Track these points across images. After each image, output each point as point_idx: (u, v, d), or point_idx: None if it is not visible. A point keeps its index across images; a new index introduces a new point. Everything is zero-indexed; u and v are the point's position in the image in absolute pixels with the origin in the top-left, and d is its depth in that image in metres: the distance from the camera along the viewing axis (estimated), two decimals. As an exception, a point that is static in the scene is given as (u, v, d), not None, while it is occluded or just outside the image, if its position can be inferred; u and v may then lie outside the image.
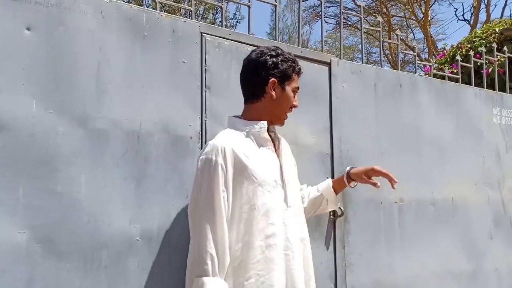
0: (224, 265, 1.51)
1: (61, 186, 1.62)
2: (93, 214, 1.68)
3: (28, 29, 1.63)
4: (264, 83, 1.68)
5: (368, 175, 1.93)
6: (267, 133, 1.68)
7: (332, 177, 2.36)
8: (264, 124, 1.67)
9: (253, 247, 1.55)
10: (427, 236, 2.71)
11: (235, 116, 1.74)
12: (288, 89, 1.70)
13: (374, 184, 1.92)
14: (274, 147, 1.72)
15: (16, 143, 1.56)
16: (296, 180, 1.83)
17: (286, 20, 17.62)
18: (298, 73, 1.75)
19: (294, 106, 1.75)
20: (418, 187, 2.72)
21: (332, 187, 1.98)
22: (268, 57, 1.69)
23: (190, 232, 1.59)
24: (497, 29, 4.07)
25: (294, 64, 1.72)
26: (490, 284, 2.98)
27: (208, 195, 1.53)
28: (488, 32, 4.13)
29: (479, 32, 4.31)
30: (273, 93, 1.68)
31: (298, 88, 1.75)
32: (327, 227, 2.32)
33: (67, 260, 1.62)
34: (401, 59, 15.47)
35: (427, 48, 15.37)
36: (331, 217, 2.32)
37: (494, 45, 3.54)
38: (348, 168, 2.00)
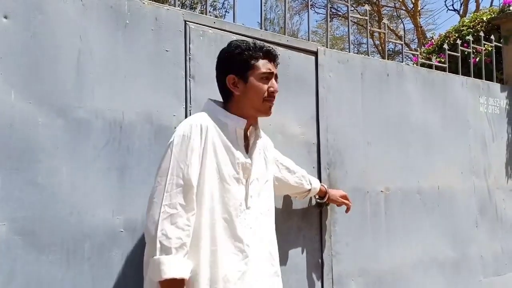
0: (186, 245, 1.42)
1: (41, 177, 1.60)
2: (75, 206, 1.65)
3: (5, 17, 1.59)
4: (225, 82, 1.64)
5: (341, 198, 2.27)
6: (242, 131, 1.62)
7: (319, 167, 2.36)
8: (243, 122, 1.61)
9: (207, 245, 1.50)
10: (413, 225, 2.73)
11: (215, 102, 1.67)
12: (252, 79, 1.61)
13: (347, 204, 2.28)
14: (248, 145, 1.67)
15: (-6, 134, 1.52)
16: (268, 182, 1.73)
17: (279, 11, 17.48)
18: (266, 57, 1.64)
19: (272, 92, 1.63)
20: (404, 176, 2.73)
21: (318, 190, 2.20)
22: (225, 54, 1.66)
23: (148, 210, 1.48)
24: (484, 18, 4.07)
25: (252, 52, 1.61)
26: (475, 272, 3.02)
27: (187, 172, 1.46)
28: (476, 21, 4.13)
29: (466, 21, 4.30)
30: (235, 89, 1.62)
31: (270, 72, 1.63)
32: (314, 217, 2.32)
33: (49, 252, 1.60)
34: (391, 49, 15.49)
35: (417, 39, 15.38)
36: (317, 207, 2.32)
37: (482, 34, 3.54)
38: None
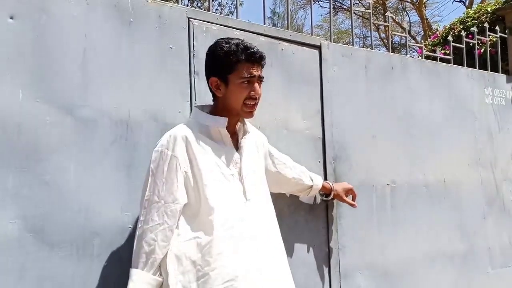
0: (155, 259, 1.50)
1: (50, 175, 1.62)
2: (84, 203, 1.68)
3: (11, 17, 1.61)
4: (209, 83, 1.67)
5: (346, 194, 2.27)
6: (225, 129, 1.64)
7: (324, 161, 2.36)
8: (224, 120, 1.63)
9: (216, 238, 1.52)
10: (420, 218, 2.73)
11: (200, 108, 1.70)
12: (233, 81, 1.59)
13: (352, 205, 2.28)
14: (237, 141, 1.69)
15: (3, 133, 1.55)
16: (261, 174, 1.75)
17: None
18: (250, 59, 1.59)
19: (251, 98, 1.61)
20: (411, 169, 2.73)
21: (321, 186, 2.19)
22: (208, 53, 1.67)
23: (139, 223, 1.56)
24: (489, 9, 4.04)
25: (235, 54, 1.57)
26: (483, 264, 3.02)
27: (162, 188, 1.52)
28: (480, 12, 4.11)
29: (471, 12, 4.28)
30: (217, 92, 1.64)
31: (252, 76, 1.60)
32: (320, 210, 2.33)
33: (59, 249, 1.62)
34: (397, 42, 15.38)
35: (423, 31, 15.26)
36: (324, 200, 2.32)
37: (486, 25, 3.52)
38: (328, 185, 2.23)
